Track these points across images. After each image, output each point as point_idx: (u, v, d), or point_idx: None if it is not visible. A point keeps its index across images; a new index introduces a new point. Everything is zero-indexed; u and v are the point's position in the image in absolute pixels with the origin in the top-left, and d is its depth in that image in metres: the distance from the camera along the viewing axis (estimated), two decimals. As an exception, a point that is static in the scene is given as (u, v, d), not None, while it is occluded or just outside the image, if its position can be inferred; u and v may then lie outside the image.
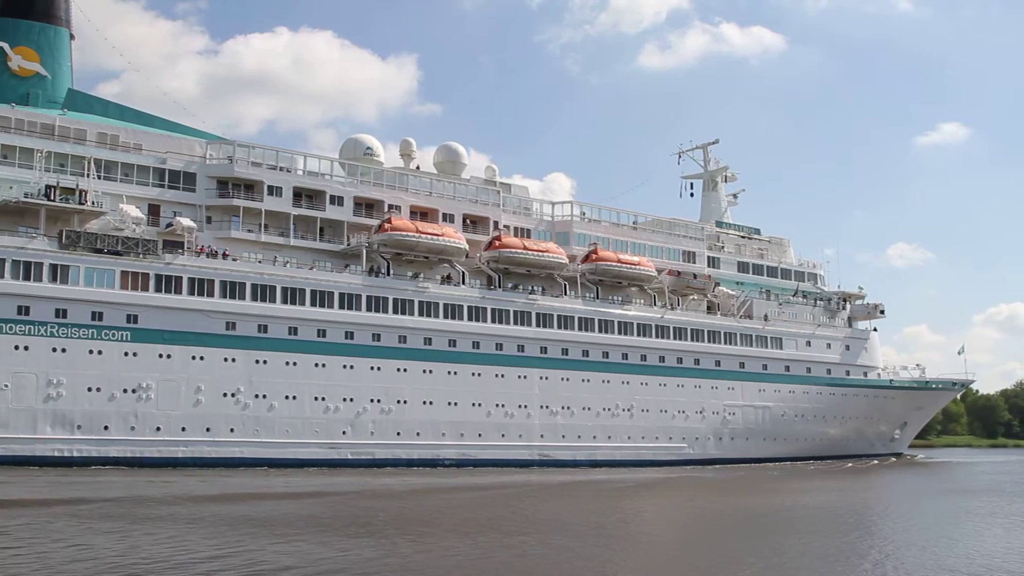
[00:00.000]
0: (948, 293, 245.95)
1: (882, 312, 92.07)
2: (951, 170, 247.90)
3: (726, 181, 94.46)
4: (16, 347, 53.86)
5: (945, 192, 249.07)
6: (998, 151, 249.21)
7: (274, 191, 65.38)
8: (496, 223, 74.22)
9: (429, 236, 67.60)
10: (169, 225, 61.03)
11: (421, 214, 71.21)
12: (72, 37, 65.90)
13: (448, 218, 72.05)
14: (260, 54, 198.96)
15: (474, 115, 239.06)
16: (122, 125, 63.92)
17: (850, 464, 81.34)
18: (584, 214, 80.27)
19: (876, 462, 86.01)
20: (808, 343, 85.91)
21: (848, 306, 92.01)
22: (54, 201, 56.72)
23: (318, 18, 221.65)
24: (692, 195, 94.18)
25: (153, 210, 61.83)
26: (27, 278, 54.65)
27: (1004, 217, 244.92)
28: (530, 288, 72.76)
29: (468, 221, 73.33)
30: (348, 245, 67.07)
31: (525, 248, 72.01)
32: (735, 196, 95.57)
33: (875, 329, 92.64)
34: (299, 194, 66.62)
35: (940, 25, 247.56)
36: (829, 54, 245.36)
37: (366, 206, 69.36)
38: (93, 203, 58.03)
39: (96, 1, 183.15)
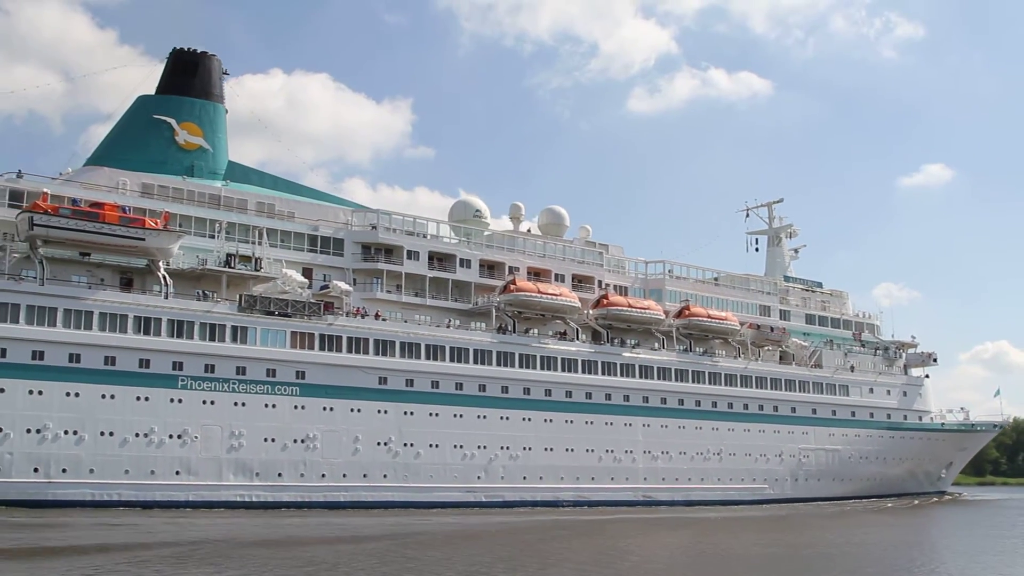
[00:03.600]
0: (934, 332, 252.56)
1: (935, 360, 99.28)
2: (935, 210, 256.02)
3: (790, 237, 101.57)
4: (204, 401, 59.42)
5: (930, 232, 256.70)
6: (981, 192, 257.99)
7: (412, 255, 71.48)
8: (600, 282, 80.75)
9: (549, 296, 73.95)
10: (324, 287, 66.85)
11: (535, 274, 77.50)
12: (226, 111, 71.65)
13: (559, 278, 78.50)
14: (254, 96, 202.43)
15: (466, 158, 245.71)
16: (276, 195, 69.92)
17: (916, 502, 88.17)
18: (671, 271, 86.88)
19: (936, 500, 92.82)
20: (871, 390, 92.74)
21: (903, 354, 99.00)
22: (234, 268, 62.55)
23: (313, 61, 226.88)
24: (757, 250, 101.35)
25: (306, 273, 67.42)
26: (212, 339, 60.35)
27: (988, 256, 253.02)
28: (630, 342, 79.11)
29: (576, 280, 79.71)
30: (475, 304, 73.23)
31: (630, 306, 78.50)
32: (796, 251, 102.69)
33: (927, 376, 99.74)
34: (432, 257, 72.75)
35: (924, 71, 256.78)
36: (816, 99, 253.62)
37: (488, 267, 75.62)
38: (265, 269, 63.85)
39: (93, 43, 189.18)
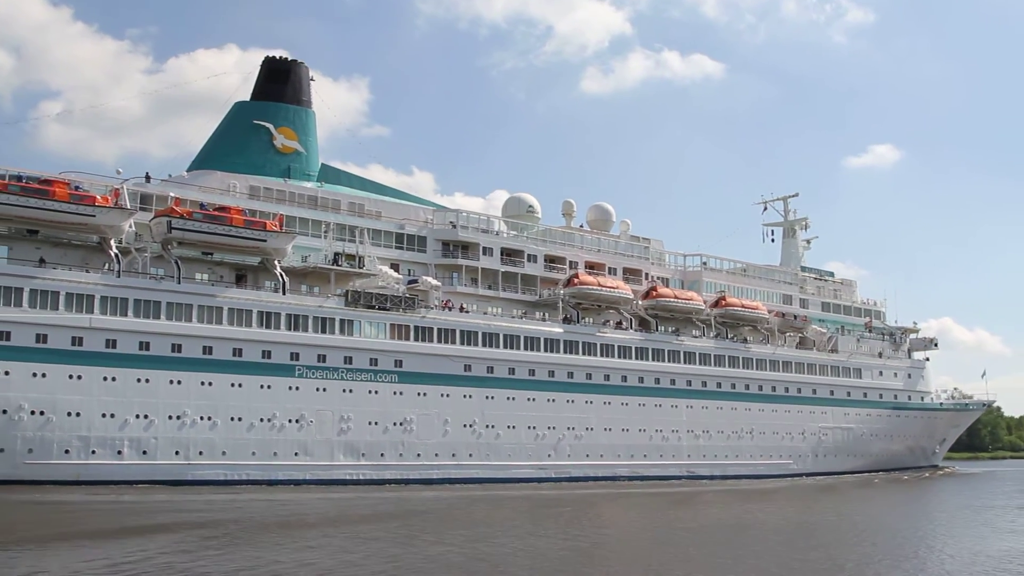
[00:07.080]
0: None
1: (936, 345, 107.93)
2: (882, 190, 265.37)
3: (804, 229, 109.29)
4: (317, 389, 65.27)
5: (877, 211, 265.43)
6: (927, 172, 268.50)
7: (487, 251, 77.64)
8: (647, 274, 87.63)
9: (608, 289, 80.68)
10: (411, 282, 72.67)
11: (590, 267, 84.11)
12: (315, 115, 76.82)
13: (612, 271, 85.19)
14: (207, 72, 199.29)
15: (422, 137, 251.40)
16: (365, 195, 75.47)
17: (927, 474, 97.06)
18: (706, 263, 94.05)
19: (940, 472, 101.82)
20: (880, 373, 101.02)
21: (907, 339, 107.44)
22: (341, 266, 68.24)
23: (269, 38, 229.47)
24: (773, 241, 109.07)
25: (394, 268, 73.17)
26: (323, 331, 66.08)
27: (932, 235, 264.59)
28: (672, 329, 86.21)
29: (626, 272, 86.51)
30: (541, 297, 79.71)
31: (676, 297, 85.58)
32: (808, 242, 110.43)
33: (927, 359, 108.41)
34: (503, 252, 78.98)
35: (873, 55, 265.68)
36: (767, 82, 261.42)
37: (550, 261, 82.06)
38: (367, 267, 69.58)
39: (46, 20, 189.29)
